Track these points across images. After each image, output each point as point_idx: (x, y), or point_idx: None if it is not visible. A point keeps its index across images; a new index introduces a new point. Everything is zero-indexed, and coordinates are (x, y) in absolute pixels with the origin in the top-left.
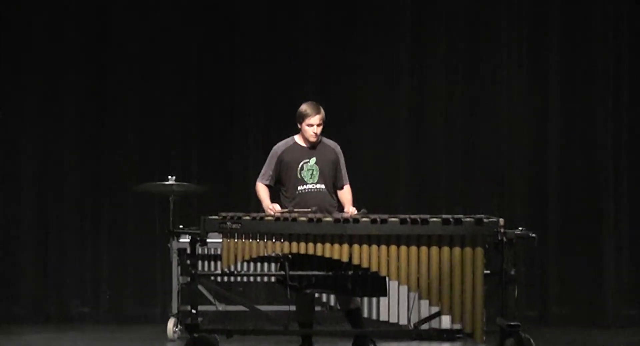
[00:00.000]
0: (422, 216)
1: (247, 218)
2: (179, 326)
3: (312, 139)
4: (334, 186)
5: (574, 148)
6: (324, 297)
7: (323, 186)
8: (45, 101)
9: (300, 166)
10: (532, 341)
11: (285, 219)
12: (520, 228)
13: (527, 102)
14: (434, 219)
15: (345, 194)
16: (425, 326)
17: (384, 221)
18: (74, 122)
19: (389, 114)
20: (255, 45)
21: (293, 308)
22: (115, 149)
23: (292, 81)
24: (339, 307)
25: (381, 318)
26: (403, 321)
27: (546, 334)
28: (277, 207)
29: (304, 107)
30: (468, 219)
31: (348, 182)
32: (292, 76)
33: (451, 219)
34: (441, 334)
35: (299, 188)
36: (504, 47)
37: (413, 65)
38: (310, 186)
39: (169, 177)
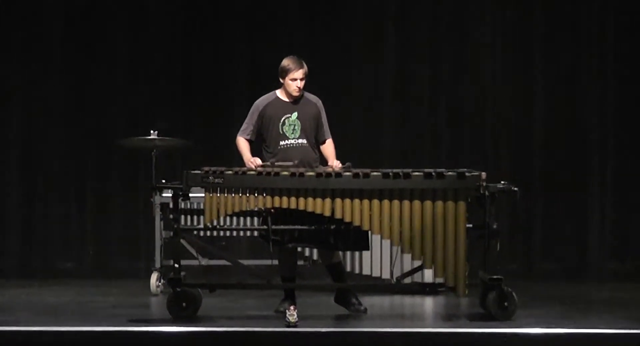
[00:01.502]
0: (405, 170)
1: (230, 172)
2: (162, 280)
3: (295, 93)
4: (316, 140)
5: (559, 103)
6: (307, 251)
7: (305, 141)
8: (30, 50)
9: (282, 121)
10: (514, 294)
11: (268, 173)
12: (502, 182)
13: (513, 55)
14: (416, 173)
15: (328, 148)
16: (407, 280)
17: (366, 175)
18: (59, 75)
19: (374, 67)
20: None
21: (276, 262)
22: (99, 104)
23: (278, 35)
24: (320, 261)
25: (364, 273)
26: (386, 275)
27: (529, 288)
28: (257, 161)
29: (287, 62)
30: (450, 173)
31: (330, 136)
32: (277, 30)
33: (433, 173)
34: (423, 288)
35: (281, 143)
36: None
37: (397, 21)
38: (292, 141)
39: (152, 132)
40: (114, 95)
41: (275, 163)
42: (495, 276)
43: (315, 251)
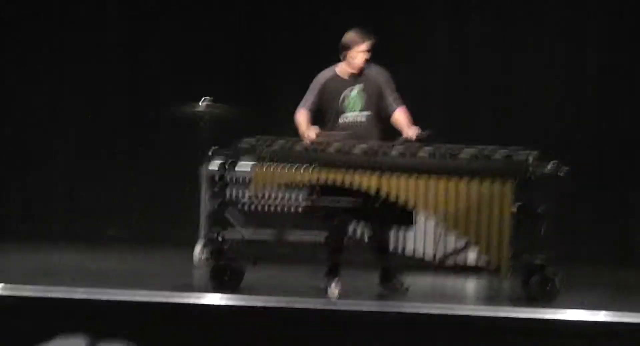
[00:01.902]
0: (453, 148)
1: (279, 143)
2: (205, 252)
3: (361, 66)
4: (384, 113)
5: (612, 85)
6: (357, 230)
7: (365, 116)
8: (82, 23)
9: (341, 97)
10: (557, 279)
11: (317, 146)
12: (551, 163)
13: (565, 37)
14: (463, 155)
15: (400, 118)
16: (450, 260)
17: (413, 154)
18: (108, 43)
19: (423, 44)
20: None
21: (320, 237)
22: (149, 72)
23: (329, 11)
24: (370, 240)
25: (407, 251)
26: (429, 254)
27: (573, 272)
28: (312, 133)
29: (352, 35)
30: (498, 153)
31: (401, 104)
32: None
33: (481, 153)
34: (467, 268)
35: (340, 120)
36: None
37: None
38: (351, 116)
39: (203, 98)
40: (165, 62)
41: (327, 134)
42: (539, 259)
43: (365, 229)
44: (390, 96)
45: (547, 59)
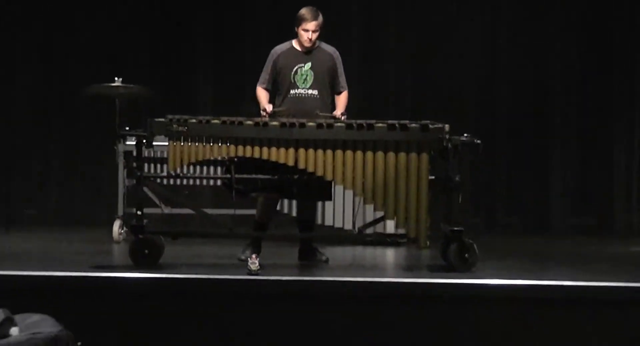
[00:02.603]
0: (368, 121)
1: (194, 120)
2: (124, 228)
3: (307, 44)
4: (332, 91)
5: (523, 58)
6: (281, 203)
7: (316, 92)
8: None
9: (294, 70)
10: (475, 246)
11: (232, 122)
12: (465, 135)
13: (480, 10)
14: (380, 124)
15: (341, 99)
16: (369, 231)
17: (330, 126)
18: (23, 22)
19: (341, 25)
20: None
21: (238, 211)
22: (64, 50)
23: None
24: (297, 214)
25: (326, 223)
26: (348, 226)
27: (490, 241)
28: (269, 107)
29: (302, 12)
30: (414, 125)
31: (346, 88)
32: None
33: (397, 125)
34: (385, 239)
35: (291, 91)
36: None
37: None
38: (302, 91)
39: (116, 79)
40: (78, 41)
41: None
42: (456, 228)
43: (293, 204)
44: (338, 78)
45: (457, 31)
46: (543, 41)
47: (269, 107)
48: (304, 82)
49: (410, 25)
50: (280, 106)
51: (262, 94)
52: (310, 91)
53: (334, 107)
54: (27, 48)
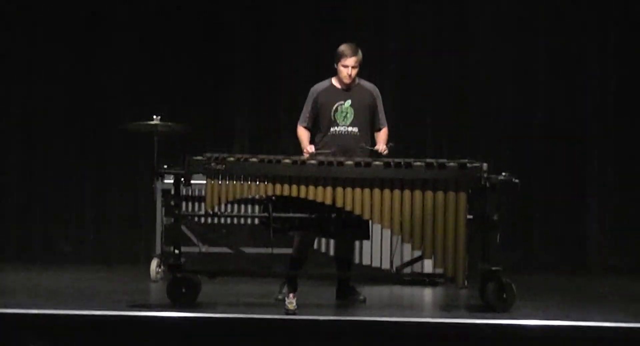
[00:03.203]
0: (406, 159)
1: (232, 158)
2: (162, 266)
3: (346, 80)
4: (372, 129)
5: (561, 95)
6: (318, 241)
7: (356, 129)
8: (33, 36)
9: (334, 107)
10: (513, 286)
11: (270, 161)
12: (503, 173)
13: (515, 46)
14: (418, 163)
15: (381, 135)
16: (407, 270)
17: (367, 165)
18: (62, 59)
19: (377, 59)
20: None
21: (276, 250)
22: (101, 88)
23: (281, 24)
24: (335, 252)
25: (364, 262)
26: (385, 265)
27: (528, 280)
28: (311, 148)
29: (342, 48)
30: (452, 163)
31: (386, 125)
32: (282, 19)
33: (435, 164)
34: (423, 278)
35: (331, 129)
36: None
37: (401, 10)
38: (342, 128)
39: (154, 116)
40: (117, 78)
41: (316, 151)
42: (494, 268)
43: (330, 243)
44: (378, 115)
45: (495, 77)
46: (581, 82)
47: (311, 148)
48: (344, 120)
49: (447, 63)
50: (320, 143)
51: (303, 134)
52: (350, 128)
53: (373, 145)
54: (67, 84)
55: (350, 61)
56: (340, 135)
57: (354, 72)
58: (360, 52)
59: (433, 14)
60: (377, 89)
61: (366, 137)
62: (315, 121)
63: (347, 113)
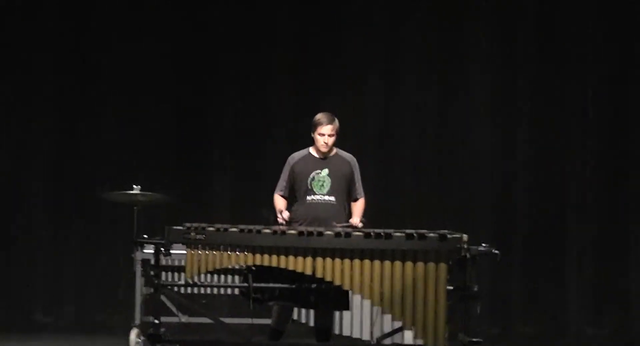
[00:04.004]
0: (386, 230)
1: (211, 228)
2: (141, 337)
3: (323, 149)
4: (349, 198)
5: (539, 166)
6: (302, 313)
7: (333, 198)
8: (17, 101)
9: (311, 176)
10: None
11: (250, 230)
12: (483, 245)
13: (494, 117)
14: (398, 233)
15: (357, 206)
16: (387, 341)
17: (347, 235)
18: (42, 126)
19: (358, 128)
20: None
21: (256, 321)
22: (80, 157)
23: (264, 92)
24: (315, 322)
25: (344, 333)
26: (366, 336)
27: None
28: (285, 214)
29: (318, 116)
30: (432, 234)
31: (363, 195)
32: (265, 88)
33: (415, 234)
34: None
35: (308, 198)
36: (473, 62)
37: (384, 81)
38: (319, 197)
39: (134, 186)
40: (95, 149)
41: (289, 219)
42: (475, 339)
43: (310, 313)
44: (355, 185)
45: (473, 140)
46: (560, 154)
47: (286, 214)
48: (320, 188)
49: (426, 132)
50: (297, 212)
51: (279, 201)
52: (327, 197)
53: (350, 214)
54: (47, 149)
55: (327, 129)
56: (317, 204)
57: (331, 140)
58: (336, 121)
59: (414, 83)
60: (354, 159)
61: (343, 207)
62: (292, 190)
63: (323, 182)
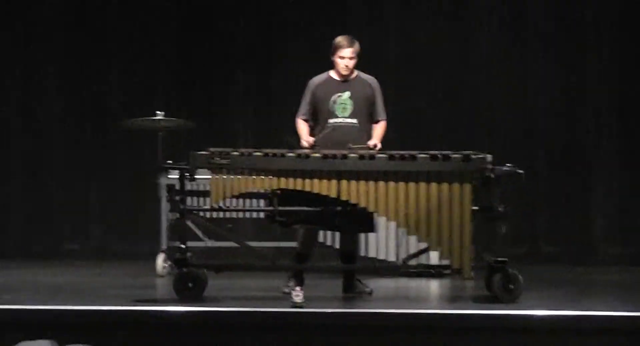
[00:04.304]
0: (411, 152)
1: (236, 153)
2: (168, 262)
3: (344, 72)
4: (371, 120)
5: (563, 88)
6: (328, 236)
7: (355, 120)
8: (30, 29)
9: (332, 99)
10: (519, 277)
11: (274, 155)
12: (508, 165)
13: (512, 42)
14: (422, 155)
15: (377, 129)
16: (413, 262)
17: (372, 157)
18: (57, 59)
19: (375, 57)
20: None
21: (281, 243)
22: (101, 85)
23: (282, 22)
24: (340, 245)
25: (369, 255)
26: (391, 257)
27: (534, 271)
28: (311, 139)
29: (338, 39)
30: (456, 155)
31: (385, 118)
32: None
33: (439, 156)
34: (429, 270)
35: (330, 121)
36: None
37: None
38: (341, 120)
39: (157, 112)
40: (116, 75)
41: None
42: (500, 259)
43: (335, 236)
44: (378, 107)
45: (493, 65)
46: (583, 69)
47: (310, 140)
48: (342, 111)
49: (445, 57)
50: (319, 135)
51: (302, 126)
52: (349, 120)
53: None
54: (66, 80)
55: (347, 52)
56: (339, 127)
57: (352, 63)
58: (357, 43)
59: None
60: (376, 81)
61: (366, 129)
62: (314, 114)
63: (345, 105)
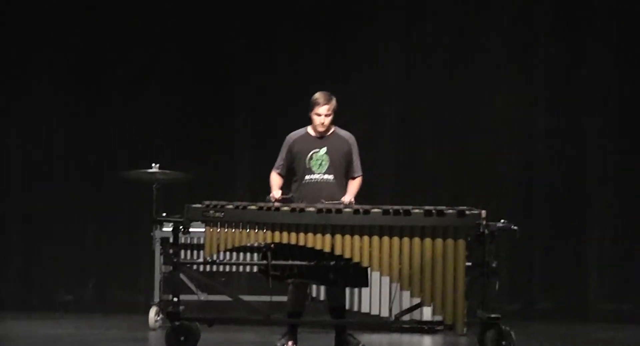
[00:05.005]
0: (405, 207)
1: (230, 206)
2: (160, 315)
3: (320, 128)
4: (347, 176)
5: (560, 141)
6: (313, 290)
7: (331, 177)
8: (33, 86)
9: (309, 155)
10: (512, 334)
11: (268, 208)
12: (502, 221)
13: (513, 93)
14: (416, 210)
15: (352, 185)
16: (406, 318)
17: (366, 212)
18: (60, 109)
19: (376, 108)
20: (247, 36)
21: (274, 298)
22: (100, 136)
23: (281, 70)
24: (327, 300)
25: (362, 310)
26: (384, 312)
27: (528, 327)
28: (276, 194)
29: (315, 96)
30: (450, 210)
31: (360, 174)
32: (281, 66)
33: (433, 211)
34: (422, 326)
35: (306, 177)
36: (491, 41)
37: (402, 62)
38: (317, 176)
39: (153, 164)
40: (115, 127)
41: (281, 198)
42: (493, 315)
43: (322, 289)
44: (354, 163)
45: (492, 115)
46: (580, 119)
47: (278, 194)
48: (319, 167)
49: (445, 110)
50: (296, 192)
51: (274, 180)
52: (325, 176)
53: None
54: (67, 131)
55: (323, 109)
56: (315, 183)
57: (327, 120)
58: (334, 100)
59: (434, 65)
60: (353, 137)
61: (342, 185)
62: (291, 169)
63: (322, 161)
